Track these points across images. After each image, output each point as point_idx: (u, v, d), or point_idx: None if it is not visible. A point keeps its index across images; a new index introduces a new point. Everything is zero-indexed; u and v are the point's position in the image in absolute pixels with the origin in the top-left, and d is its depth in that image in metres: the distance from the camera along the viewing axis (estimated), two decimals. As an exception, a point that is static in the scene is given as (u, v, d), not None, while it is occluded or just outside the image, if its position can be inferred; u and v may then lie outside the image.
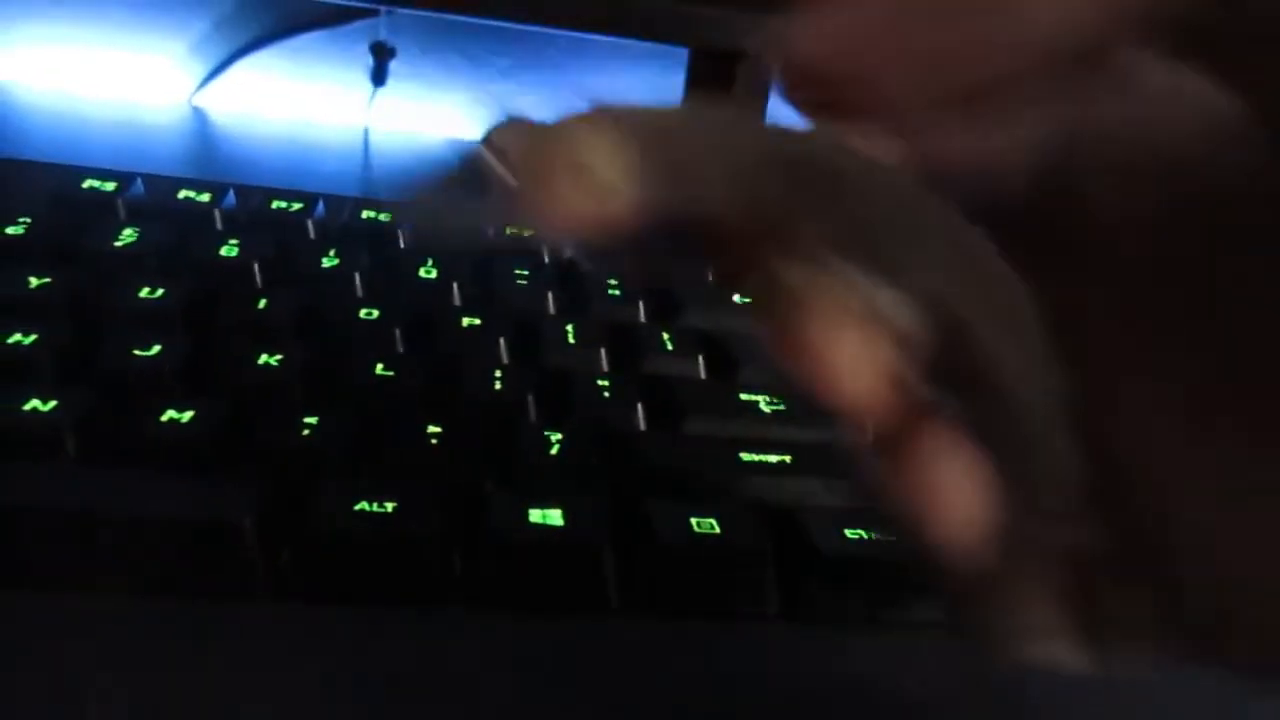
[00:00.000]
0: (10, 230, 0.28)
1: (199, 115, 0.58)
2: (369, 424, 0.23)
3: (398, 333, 0.27)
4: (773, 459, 0.25)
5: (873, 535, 0.21)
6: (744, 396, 0.27)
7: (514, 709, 0.18)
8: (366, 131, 0.60)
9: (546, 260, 0.31)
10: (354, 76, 0.60)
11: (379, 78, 0.61)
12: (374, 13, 0.59)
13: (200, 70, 0.60)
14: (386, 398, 0.25)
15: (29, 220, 0.28)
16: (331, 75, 0.60)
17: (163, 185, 0.31)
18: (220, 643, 0.18)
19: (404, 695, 0.18)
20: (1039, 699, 0.20)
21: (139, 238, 0.28)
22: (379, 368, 0.25)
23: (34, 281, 0.26)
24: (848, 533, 0.22)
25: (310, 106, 0.61)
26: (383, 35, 0.60)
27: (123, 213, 0.30)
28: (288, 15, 0.59)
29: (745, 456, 0.25)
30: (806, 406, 0.27)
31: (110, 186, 0.30)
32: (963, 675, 0.20)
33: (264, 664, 0.18)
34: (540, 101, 0.63)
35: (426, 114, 0.62)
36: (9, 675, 0.17)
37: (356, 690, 0.18)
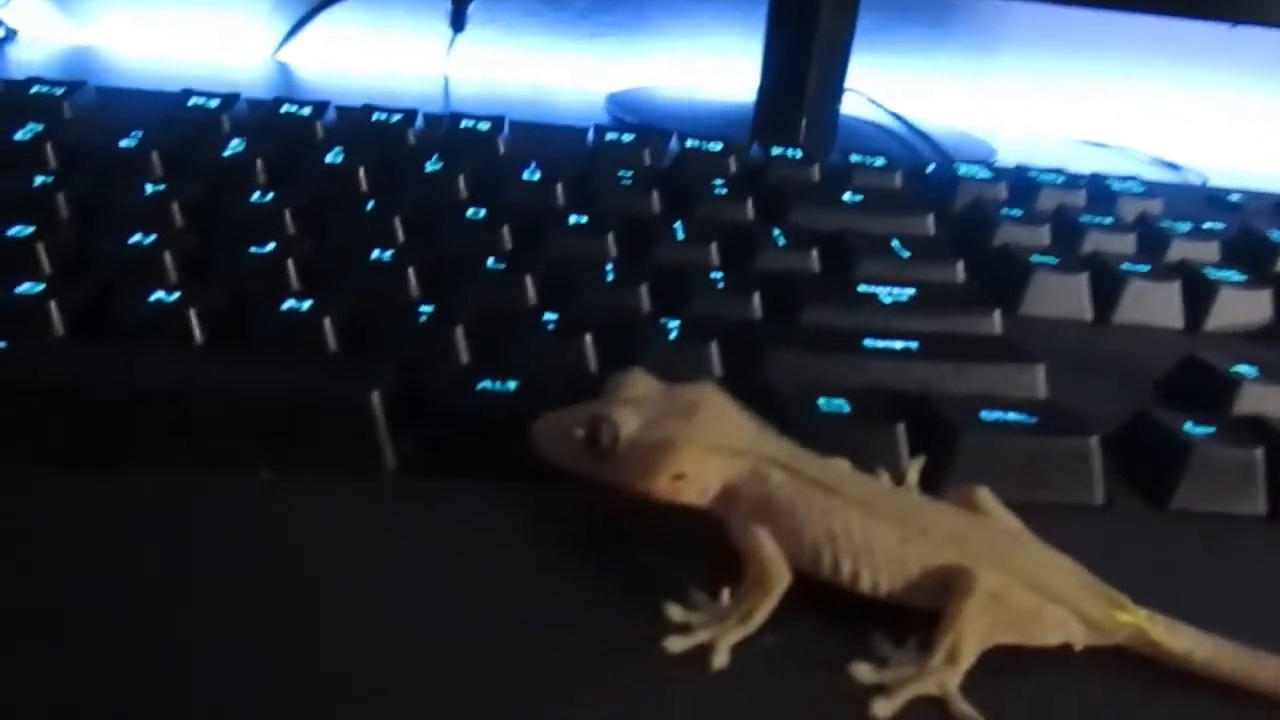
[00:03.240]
0: (124, 143, 0.28)
1: (283, 70, 0.59)
2: (487, 313, 0.23)
3: (505, 231, 0.26)
4: (898, 345, 0.24)
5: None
6: (863, 289, 0.26)
7: (632, 572, 0.18)
8: (446, 80, 0.60)
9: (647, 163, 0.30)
10: (433, 24, 0.60)
11: (458, 23, 0.60)
12: (452, -42, 0.58)
13: (282, 26, 0.60)
14: (501, 292, 0.24)
15: (140, 133, 0.28)
16: (410, 23, 0.60)
17: (264, 103, 0.31)
18: (347, 517, 0.18)
19: (528, 564, 0.17)
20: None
21: (246, 149, 0.28)
22: (490, 261, 0.25)
23: (149, 189, 0.26)
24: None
25: (390, 56, 0.61)
26: (460, -20, 0.59)
27: (228, 127, 0.30)
28: (366, -34, 0.59)
29: (869, 343, 0.24)
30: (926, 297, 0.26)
31: (214, 104, 0.30)
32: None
33: (389, 538, 0.18)
34: (619, 43, 0.62)
35: (506, 58, 0.61)
36: (149, 549, 0.17)
37: (482, 561, 0.17)
